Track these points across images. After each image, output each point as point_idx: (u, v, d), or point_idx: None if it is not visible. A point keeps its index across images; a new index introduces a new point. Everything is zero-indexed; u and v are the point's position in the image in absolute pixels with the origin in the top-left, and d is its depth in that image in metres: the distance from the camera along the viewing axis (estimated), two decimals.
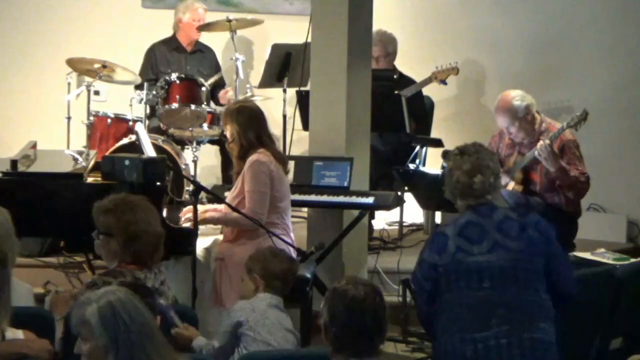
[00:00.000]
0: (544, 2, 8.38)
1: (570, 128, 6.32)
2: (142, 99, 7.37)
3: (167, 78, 7.46)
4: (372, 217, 7.34)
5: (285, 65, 7.97)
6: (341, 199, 6.19)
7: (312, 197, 6.25)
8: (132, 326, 3.24)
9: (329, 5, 6.37)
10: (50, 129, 8.00)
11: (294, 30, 7.61)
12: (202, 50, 8.23)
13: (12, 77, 8.50)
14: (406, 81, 7.45)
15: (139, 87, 7.59)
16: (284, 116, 7.99)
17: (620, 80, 8.05)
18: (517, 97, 6.45)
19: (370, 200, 6.16)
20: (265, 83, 8.10)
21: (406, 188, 6.92)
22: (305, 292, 4.86)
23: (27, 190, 5.62)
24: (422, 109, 7.65)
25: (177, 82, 7.45)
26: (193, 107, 7.39)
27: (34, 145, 6.37)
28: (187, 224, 5.74)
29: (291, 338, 4.60)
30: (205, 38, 8.26)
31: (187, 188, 6.75)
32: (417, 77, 7.50)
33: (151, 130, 7.41)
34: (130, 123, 7.33)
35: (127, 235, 4.34)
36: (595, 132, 7.41)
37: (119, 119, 7.41)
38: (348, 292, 3.55)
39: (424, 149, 7.29)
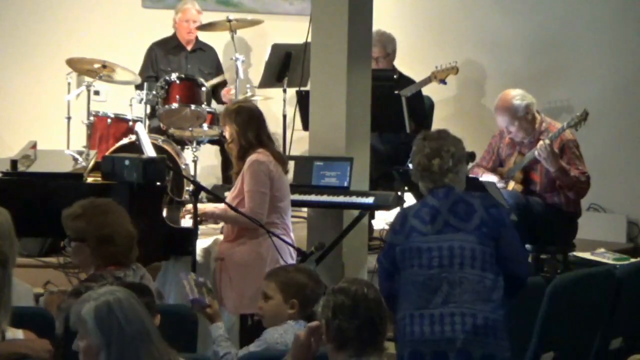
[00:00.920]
0: (544, 2, 8.38)
1: (570, 128, 6.32)
2: (142, 99, 7.38)
3: (167, 78, 7.47)
4: (372, 217, 7.34)
5: (285, 65, 7.97)
6: (341, 199, 6.19)
7: (312, 197, 6.25)
8: (126, 327, 3.24)
9: (329, 5, 6.37)
10: (50, 129, 8.01)
11: (294, 30, 7.62)
12: (202, 49, 8.23)
13: (12, 77, 8.50)
14: (406, 81, 7.45)
15: (139, 87, 7.60)
16: (284, 116, 7.99)
17: (621, 80, 8.05)
18: (517, 96, 6.45)
19: (370, 200, 6.16)
20: (265, 83, 8.11)
21: (406, 188, 6.92)
22: None
23: (27, 190, 5.61)
24: (422, 109, 7.65)
25: (177, 82, 7.46)
26: (193, 107, 7.40)
27: (34, 145, 6.37)
28: (187, 217, 5.74)
29: None
30: (206, 38, 8.26)
31: (187, 188, 6.76)
32: (417, 77, 7.50)
33: (151, 130, 7.42)
34: (130, 123, 7.34)
35: (100, 238, 4.33)
36: (595, 132, 7.41)
37: (119, 119, 7.41)
38: (350, 288, 3.58)
39: None
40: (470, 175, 6.18)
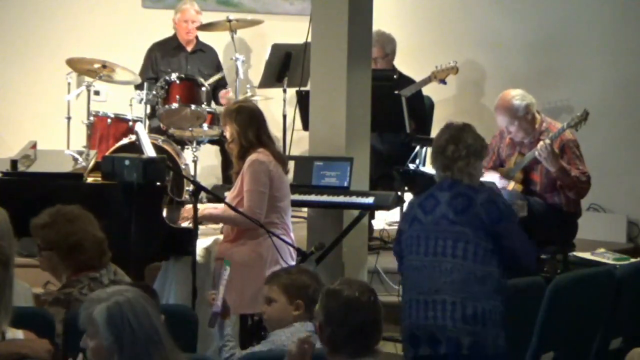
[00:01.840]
0: (544, 2, 8.38)
1: (570, 128, 6.32)
2: (142, 99, 7.38)
3: (167, 78, 7.47)
4: (372, 217, 7.34)
5: (285, 65, 7.97)
6: (341, 199, 6.19)
7: (312, 197, 6.25)
8: (137, 328, 3.24)
9: (329, 5, 6.37)
10: (50, 129, 8.01)
11: (294, 30, 7.61)
12: (203, 50, 8.23)
13: (12, 77, 8.50)
14: (406, 81, 7.44)
15: (139, 87, 7.59)
16: (284, 116, 7.99)
17: (621, 80, 8.05)
18: (517, 96, 6.44)
19: (370, 200, 6.16)
20: (265, 83, 8.10)
21: (406, 188, 6.91)
22: None
23: (27, 190, 5.61)
24: (422, 109, 7.65)
25: (177, 82, 7.45)
26: (193, 107, 7.40)
27: (34, 145, 6.37)
28: (186, 223, 5.74)
29: None
30: (206, 38, 8.26)
31: (187, 188, 6.75)
32: (417, 77, 7.50)
33: (151, 130, 7.41)
34: (130, 123, 7.34)
35: (68, 246, 4.33)
36: (595, 132, 7.41)
37: (119, 119, 7.41)
38: (342, 292, 3.57)
39: (424, 149, 7.28)
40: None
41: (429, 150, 7.36)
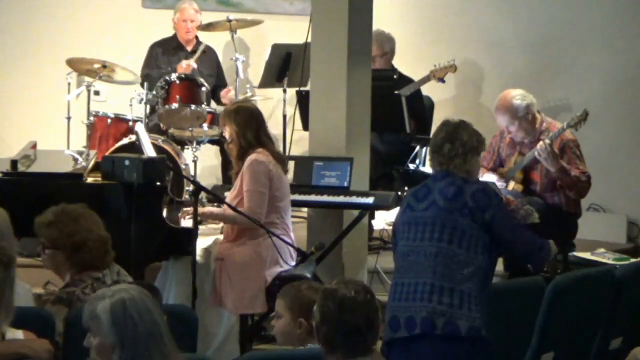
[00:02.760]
0: (543, 1, 8.38)
1: (570, 128, 6.32)
2: (142, 99, 7.38)
3: (167, 78, 7.46)
4: (372, 217, 7.34)
5: (285, 65, 7.97)
6: (341, 199, 6.19)
7: (312, 197, 6.25)
8: (140, 325, 3.26)
9: (329, 5, 6.37)
10: (50, 129, 8.01)
11: (294, 30, 7.62)
12: (203, 50, 8.22)
13: (13, 77, 8.50)
14: (406, 81, 7.44)
15: (141, 84, 7.59)
16: (284, 116, 7.99)
17: (620, 79, 8.05)
18: (517, 96, 6.45)
19: (370, 200, 6.16)
20: (265, 83, 8.10)
21: (406, 188, 6.91)
22: None
23: (27, 190, 5.61)
24: (422, 108, 7.64)
25: (177, 82, 7.45)
26: (193, 107, 7.40)
27: (34, 145, 6.37)
28: (186, 218, 5.74)
29: None
30: (206, 38, 8.26)
31: (187, 188, 6.75)
32: (417, 77, 7.50)
33: (151, 130, 7.41)
34: (130, 123, 7.34)
35: (72, 245, 4.34)
36: (595, 132, 7.41)
37: (119, 119, 7.41)
38: (338, 292, 3.56)
39: (424, 149, 7.28)
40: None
41: (429, 150, 7.38)
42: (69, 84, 7.51)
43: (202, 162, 7.77)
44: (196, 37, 8.21)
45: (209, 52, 8.26)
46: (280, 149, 6.86)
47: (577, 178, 6.32)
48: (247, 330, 5.81)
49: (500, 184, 6.36)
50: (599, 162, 7.30)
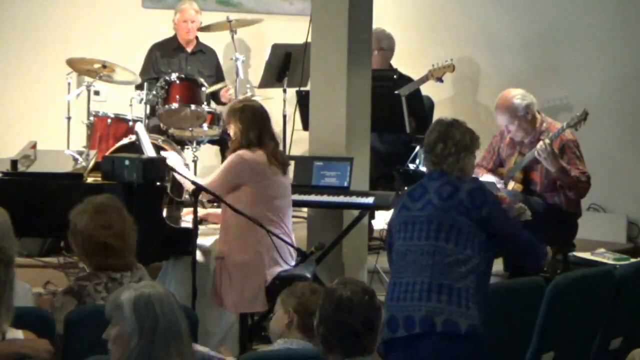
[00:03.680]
0: (542, 0, 8.38)
1: (570, 128, 6.32)
2: (142, 99, 7.38)
3: (167, 78, 7.47)
4: (372, 217, 7.34)
5: (285, 65, 7.97)
6: (341, 199, 6.19)
7: (312, 197, 6.25)
8: (161, 319, 3.30)
9: (329, 5, 6.37)
10: (50, 129, 8.00)
11: (294, 30, 7.62)
12: (203, 51, 8.23)
13: (12, 77, 8.49)
14: (406, 81, 7.44)
15: (139, 87, 7.59)
16: (284, 116, 7.99)
17: (620, 78, 8.05)
18: (517, 95, 6.45)
19: (370, 200, 6.16)
20: (265, 83, 8.10)
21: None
22: None
23: (27, 191, 5.61)
24: (421, 107, 7.65)
25: (177, 82, 7.45)
26: (193, 107, 7.40)
27: (34, 145, 6.37)
28: (187, 218, 5.76)
29: None
30: (206, 38, 8.26)
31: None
32: (416, 77, 7.50)
33: (151, 130, 7.41)
34: (130, 123, 7.33)
35: (94, 247, 4.33)
36: (595, 132, 7.41)
37: (119, 119, 7.41)
38: (336, 292, 3.56)
39: None
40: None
41: None
42: (69, 84, 7.50)
43: (202, 162, 7.77)
44: (196, 37, 8.21)
45: (208, 52, 8.26)
46: (281, 149, 6.85)
47: (577, 178, 6.32)
48: (246, 330, 5.81)
49: (500, 184, 6.36)
50: (599, 162, 7.30)
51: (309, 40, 6.51)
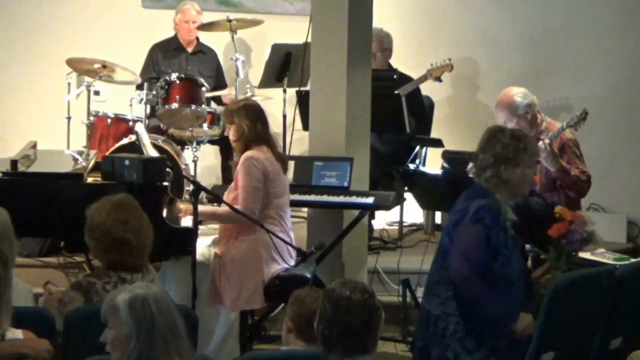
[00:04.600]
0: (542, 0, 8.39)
1: (570, 128, 6.32)
2: (142, 99, 7.38)
3: (167, 78, 7.47)
4: (372, 217, 7.34)
5: (285, 65, 7.97)
6: (341, 199, 6.19)
7: (312, 197, 6.24)
8: (158, 320, 3.30)
9: (329, 5, 6.37)
10: (50, 129, 8.01)
11: (294, 30, 7.61)
12: (203, 52, 8.23)
13: (12, 77, 8.50)
14: (406, 81, 7.44)
15: (139, 87, 7.60)
16: (284, 116, 7.99)
17: (620, 78, 8.05)
18: (519, 94, 6.45)
19: (370, 200, 6.16)
20: (265, 83, 8.10)
21: (406, 188, 6.92)
22: None
23: (27, 191, 5.61)
24: (421, 106, 7.64)
25: (177, 82, 7.45)
26: (193, 107, 7.40)
27: (34, 145, 6.37)
28: (181, 216, 5.76)
29: None
30: (206, 38, 8.26)
31: (187, 188, 6.76)
32: (415, 76, 7.50)
33: (151, 130, 7.41)
34: (130, 123, 7.34)
35: (111, 242, 4.34)
36: (594, 131, 7.40)
37: (119, 119, 7.41)
38: (335, 292, 3.56)
39: (424, 149, 7.29)
40: (470, 176, 6.19)
41: (429, 150, 7.39)
42: (69, 84, 7.51)
43: (202, 162, 7.77)
44: (197, 38, 8.22)
45: (209, 53, 8.26)
46: (280, 149, 6.86)
47: (577, 177, 6.32)
48: (247, 330, 5.81)
49: None
50: (599, 162, 7.30)
51: (309, 40, 6.51)
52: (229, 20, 7.91)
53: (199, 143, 7.49)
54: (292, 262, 5.71)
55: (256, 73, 8.39)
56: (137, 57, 8.12)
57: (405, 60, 7.95)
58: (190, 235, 5.41)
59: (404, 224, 7.70)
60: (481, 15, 8.53)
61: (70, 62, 7.49)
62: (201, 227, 5.89)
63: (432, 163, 7.35)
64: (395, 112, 7.11)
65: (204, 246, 5.76)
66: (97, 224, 4.36)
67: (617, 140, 8.04)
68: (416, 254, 6.87)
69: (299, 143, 7.59)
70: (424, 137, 7.42)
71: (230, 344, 5.74)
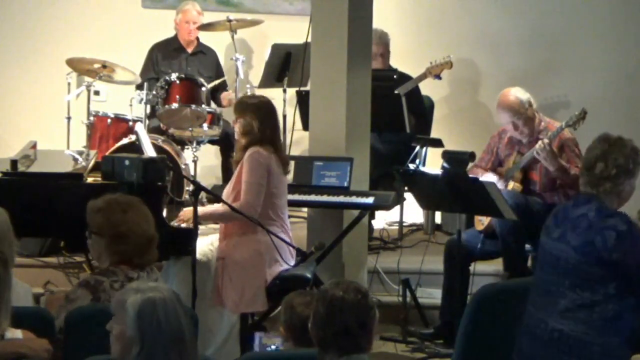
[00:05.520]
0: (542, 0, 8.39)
1: (569, 127, 6.32)
2: (142, 99, 7.38)
3: (167, 78, 7.47)
4: (372, 217, 7.34)
5: (285, 65, 7.97)
6: (341, 199, 6.19)
7: (312, 197, 6.25)
8: (164, 326, 3.28)
9: (329, 5, 6.38)
10: (50, 129, 8.01)
11: (294, 30, 7.62)
12: (203, 52, 8.23)
13: (13, 77, 8.50)
14: (405, 80, 7.44)
15: (139, 87, 7.60)
16: (284, 116, 7.99)
17: (619, 77, 8.05)
18: (518, 91, 6.45)
19: (370, 200, 6.16)
20: (265, 83, 8.10)
21: (406, 188, 6.91)
22: None
23: (27, 191, 5.61)
24: (421, 104, 7.65)
25: (177, 82, 7.45)
26: (193, 107, 7.40)
27: (34, 145, 6.37)
28: (183, 225, 5.76)
29: None
30: (206, 38, 8.26)
31: (187, 188, 6.76)
32: (414, 76, 7.49)
33: (151, 130, 7.42)
34: (130, 123, 7.34)
35: (114, 235, 4.33)
36: (594, 131, 7.36)
37: (119, 119, 7.42)
38: (328, 292, 3.54)
39: (424, 149, 7.28)
40: (470, 176, 6.20)
41: (429, 150, 7.38)
42: (69, 84, 7.51)
43: (202, 162, 7.77)
44: (197, 38, 8.22)
45: (209, 53, 8.26)
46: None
47: (577, 176, 6.31)
48: (248, 330, 5.80)
49: (499, 185, 6.36)
50: None
51: (309, 40, 6.52)
52: (229, 20, 7.91)
53: (199, 143, 7.49)
54: (292, 262, 5.71)
55: (256, 73, 8.40)
56: (137, 57, 8.12)
57: (405, 60, 7.95)
58: (190, 235, 5.42)
59: (404, 224, 7.70)
60: (480, 15, 8.53)
61: (70, 62, 7.49)
62: (201, 227, 5.89)
63: (432, 163, 7.35)
64: (396, 112, 7.12)
65: (205, 245, 5.76)
66: (107, 218, 4.37)
67: None
68: (416, 254, 6.88)
69: (299, 143, 7.60)
70: (424, 137, 7.42)
71: (231, 344, 5.74)
